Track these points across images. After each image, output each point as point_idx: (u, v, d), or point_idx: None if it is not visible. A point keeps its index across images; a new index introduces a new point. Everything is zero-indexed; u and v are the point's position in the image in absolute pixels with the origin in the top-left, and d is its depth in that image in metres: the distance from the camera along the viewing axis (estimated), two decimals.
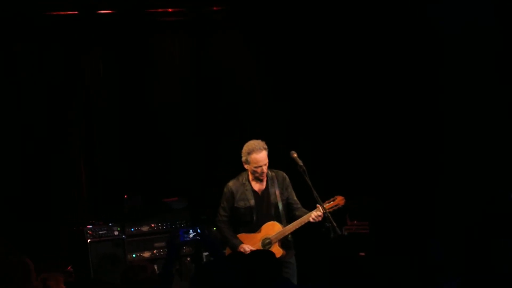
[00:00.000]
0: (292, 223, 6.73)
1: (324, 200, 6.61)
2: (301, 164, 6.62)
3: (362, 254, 7.65)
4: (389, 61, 8.73)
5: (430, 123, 8.54)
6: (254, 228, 6.80)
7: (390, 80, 8.76)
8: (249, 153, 6.72)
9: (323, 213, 6.52)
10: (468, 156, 8.14)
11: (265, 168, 6.74)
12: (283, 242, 6.78)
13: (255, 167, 6.72)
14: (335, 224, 6.41)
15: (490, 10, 7.98)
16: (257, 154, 6.69)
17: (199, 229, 5.35)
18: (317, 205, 6.58)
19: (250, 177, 6.83)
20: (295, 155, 6.68)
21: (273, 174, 6.88)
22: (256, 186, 6.84)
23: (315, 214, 6.57)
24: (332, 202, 6.65)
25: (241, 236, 6.82)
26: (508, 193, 7.69)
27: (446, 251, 7.48)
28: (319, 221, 6.57)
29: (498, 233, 7.56)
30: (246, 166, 6.79)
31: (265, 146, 6.73)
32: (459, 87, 8.27)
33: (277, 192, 6.82)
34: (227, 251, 6.78)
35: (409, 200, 8.31)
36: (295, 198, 6.91)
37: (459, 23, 8.06)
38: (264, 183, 6.85)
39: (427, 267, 7.24)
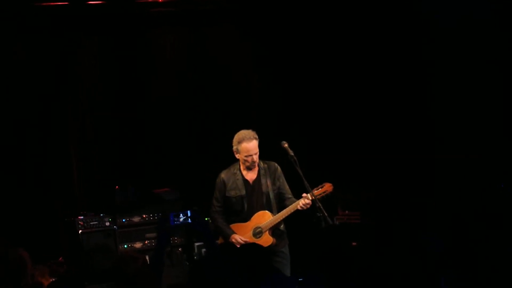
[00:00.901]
0: (281, 212, 6.74)
1: (312, 188, 6.60)
2: (292, 154, 6.62)
3: (354, 244, 7.66)
4: (383, 55, 8.74)
5: (425, 116, 8.55)
6: (246, 217, 6.80)
7: (385, 76, 8.77)
8: (239, 142, 6.72)
9: (312, 200, 6.54)
10: (464, 149, 8.15)
11: (255, 157, 6.73)
12: (274, 231, 6.78)
13: (246, 156, 6.72)
14: (326, 214, 6.42)
15: (485, 4, 7.99)
16: (248, 143, 6.69)
17: (190, 212, 5.33)
18: (303, 194, 6.59)
19: (242, 167, 6.83)
20: (286, 145, 6.69)
21: (265, 165, 6.88)
22: (248, 175, 6.84)
23: (303, 202, 6.59)
24: (320, 189, 6.65)
25: (233, 226, 6.83)
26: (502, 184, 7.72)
27: (445, 243, 7.49)
28: (308, 209, 6.58)
29: (495, 225, 7.57)
30: (237, 156, 6.80)
31: (256, 136, 6.74)
32: (455, 80, 8.28)
33: (269, 182, 6.82)
34: (220, 241, 6.79)
35: (404, 192, 8.31)
36: (287, 188, 6.91)
37: (455, 16, 8.07)
38: (256, 173, 6.85)
39: (424, 260, 7.24)
